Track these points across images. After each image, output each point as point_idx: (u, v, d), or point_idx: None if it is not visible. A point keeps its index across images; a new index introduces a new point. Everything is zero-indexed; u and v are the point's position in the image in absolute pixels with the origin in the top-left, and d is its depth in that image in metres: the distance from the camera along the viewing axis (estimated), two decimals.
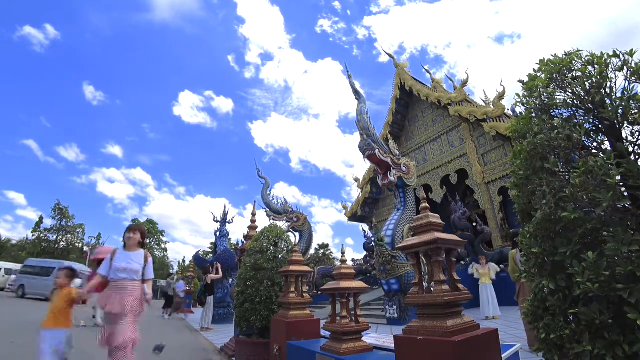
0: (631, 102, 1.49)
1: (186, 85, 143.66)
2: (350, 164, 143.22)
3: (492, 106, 13.47)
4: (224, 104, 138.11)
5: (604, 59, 1.64)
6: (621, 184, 1.47)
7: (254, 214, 7.34)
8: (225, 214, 14.07)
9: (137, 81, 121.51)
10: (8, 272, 20.82)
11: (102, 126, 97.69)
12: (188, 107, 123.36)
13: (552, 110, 1.84)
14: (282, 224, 9.12)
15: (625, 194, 1.46)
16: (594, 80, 1.65)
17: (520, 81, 1.99)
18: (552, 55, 1.87)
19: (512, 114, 12.64)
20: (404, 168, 8.64)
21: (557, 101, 1.79)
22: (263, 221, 9.94)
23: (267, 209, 9.54)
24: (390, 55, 18.36)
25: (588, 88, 1.66)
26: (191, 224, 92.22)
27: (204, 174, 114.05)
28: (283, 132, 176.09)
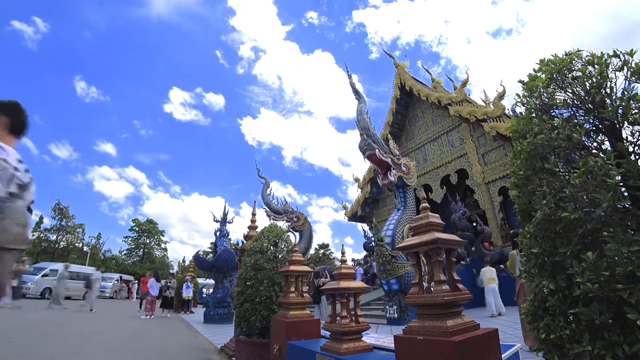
0: (631, 102, 1.49)
1: (175, 81, 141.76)
2: (347, 162, 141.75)
3: (492, 106, 13.48)
4: (216, 101, 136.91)
5: (604, 59, 1.64)
6: (621, 184, 1.47)
7: (254, 214, 7.33)
8: (225, 214, 14.08)
9: (129, 77, 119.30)
10: None
11: (94, 123, 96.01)
12: (179, 104, 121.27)
13: (552, 110, 1.84)
14: (282, 224, 9.11)
15: (625, 194, 1.46)
16: (594, 80, 1.65)
17: (520, 81, 1.99)
18: (552, 55, 1.87)
19: (512, 114, 12.64)
20: (404, 168, 8.65)
21: (557, 101, 1.79)
22: (263, 221, 9.93)
23: (267, 209, 9.52)
24: (390, 55, 18.36)
25: (588, 88, 1.66)
26: (188, 223, 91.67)
27: (199, 172, 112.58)
28: (275, 129, 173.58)
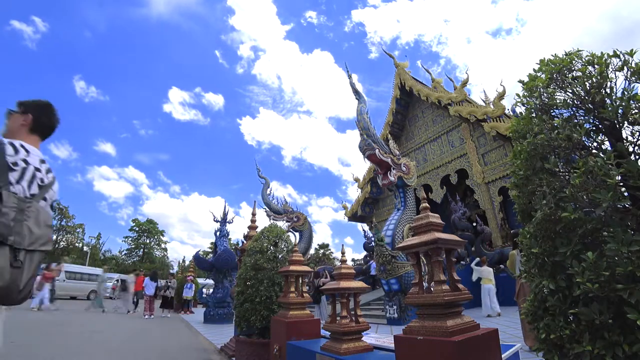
0: (631, 102, 1.49)
1: (175, 81, 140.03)
2: (347, 162, 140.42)
3: (492, 106, 13.48)
4: (215, 100, 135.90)
5: (604, 59, 1.64)
6: (621, 184, 1.47)
7: (254, 214, 7.34)
8: (225, 214, 14.09)
9: (129, 77, 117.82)
10: None
11: (93, 123, 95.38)
12: (178, 103, 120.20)
13: (552, 110, 1.84)
14: (282, 224, 9.12)
15: (625, 194, 1.46)
16: (594, 80, 1.65)
17: (520, 81, 1.99)
18: (552, 55, 1.87)
19: (512, 114, 12.65)
20: (404, 168, 8.65)
21: (557, 101, 1.79)
22: (263, 221, 9.94)
23: (267, 209, 9.53)
24: (390, 55, 18.37)
25: (588, 88, 1.66)
26: (188, 223, 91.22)
27: (198, 172, 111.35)
28: (274, 129, 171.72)
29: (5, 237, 1.26)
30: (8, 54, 76.12)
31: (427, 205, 2.15)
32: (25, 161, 1.49)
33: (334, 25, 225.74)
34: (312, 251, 16.23)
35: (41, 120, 1.70)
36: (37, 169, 1.54)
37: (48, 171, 1.61)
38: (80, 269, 22.70)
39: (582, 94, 1.69)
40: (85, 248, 42.38)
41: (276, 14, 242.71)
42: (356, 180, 19.77)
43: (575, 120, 1.71)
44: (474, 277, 9.11)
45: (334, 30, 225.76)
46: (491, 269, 9.19)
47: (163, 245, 52.44)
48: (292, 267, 3.70)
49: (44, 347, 5.33)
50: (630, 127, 1.55)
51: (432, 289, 1.90)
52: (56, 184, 1.66)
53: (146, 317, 12.00)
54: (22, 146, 1.52)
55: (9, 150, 1.44)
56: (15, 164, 1.44)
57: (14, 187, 1.41)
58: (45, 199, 1.55)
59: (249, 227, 7.03)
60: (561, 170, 1.69)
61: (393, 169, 8.40)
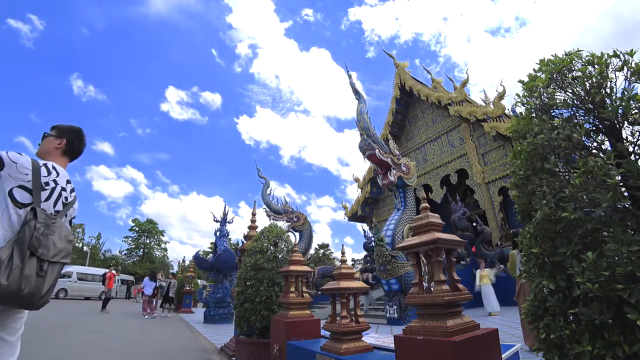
0: (631, 102, 1.49)
1: (172, 80, 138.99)
2: (346, 162, 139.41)
3: (492, 106, 13.49)
4: (213, 99, 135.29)
5: (604, 59, 1.64)
6: (621, 184, 1.47)
7: (253, 214, 7.34)
8: (225, 214, 14.10)
9: (126, 76, 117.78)
10: None
11: (91, 122, 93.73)
12: (176, 102, 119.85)
13: (552, 110, 1.84)
14: (282, 224, 9.13)
15: (625, 194, 1.46)
16: (594, 80, 1.65)
17: (520, 81, 1.99)
18: (552, 55, 1.87)
19: (512, 114, 12.66)
20: (404, 168, 8.65)
21: (557, 101, 1.79)
22: (263, 221, 9.95)
23: (267, 209, 9.54)
24: (389, 55, 18.37)
25: (588, 88, 1.66)
26: (187, 223, 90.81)
27: (197, 171, 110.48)
28: (272, 128, 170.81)
29: (36, 249, 1.40)
30: (5, 52, 76.17)
31: (427, 205, 2.15)
32: (54, 181, 1.64)
33: (331, 24, 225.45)
34: (312, 251, 16.25)
35: (73, 144, 1.87)
36: (63, 189, 1.69)
37: (72, 191, 1.77)
38: (91, 270, 23.40)
39: (582, 94, 1.69)
40: (85, 248, 42.37)
41: (274, 11, 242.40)
42: (356, 180, 19.78)
43: (575, 120, 1.71)
44: (477, 282, 9.03)
45: (331, 29, 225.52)
46: (488, 269, 9.31)
47: (163, 245, 52.44)
48: (292, 267, 3.70)
49: (45, 347, 5.33)
50: (630, 127, 1.55)
51: (432, 289, 1.90)
52: (77, 202, 1.82)
53: (146, 317, 11.99)
54: (54, 167, 1.68)
55: (44, 171, 1.60)
56: (47, 183, 1.60)
57: (43, 204, 1.56)
58: (66, 216, 1.71)
59: (249, 227, 7.04)
60: (561, 170, 1.69)
61: (393, 169, 8.41)
